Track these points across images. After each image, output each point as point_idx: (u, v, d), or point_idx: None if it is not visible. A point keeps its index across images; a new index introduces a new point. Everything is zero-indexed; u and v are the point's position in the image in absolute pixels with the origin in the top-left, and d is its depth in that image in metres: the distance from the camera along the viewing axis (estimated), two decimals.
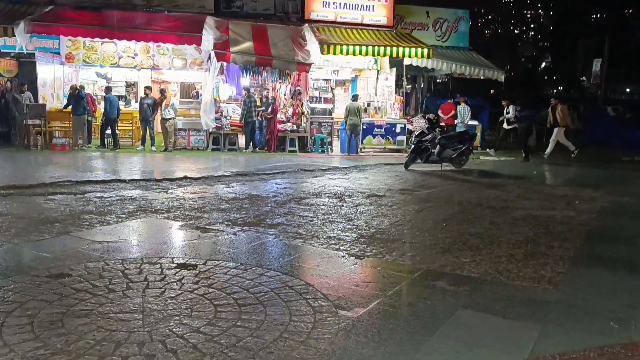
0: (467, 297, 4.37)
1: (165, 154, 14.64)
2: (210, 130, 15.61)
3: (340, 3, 17.48)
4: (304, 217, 7.20)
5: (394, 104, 17.87)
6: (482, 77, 19.52)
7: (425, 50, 16.34)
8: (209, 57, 15.33)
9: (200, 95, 16.97)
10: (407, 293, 4.48)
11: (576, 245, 6.24)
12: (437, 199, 9.18)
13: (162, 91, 15.83)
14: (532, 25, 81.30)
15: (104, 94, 15.50)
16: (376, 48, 16.12)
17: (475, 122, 18.16)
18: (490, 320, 3.94)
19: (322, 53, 15.69)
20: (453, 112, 17.36)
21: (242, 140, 16.26)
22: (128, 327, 3.50)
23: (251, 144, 15.74)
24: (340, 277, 4.77)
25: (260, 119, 15.95)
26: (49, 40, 15.96)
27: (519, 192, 10.08)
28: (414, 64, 17.79)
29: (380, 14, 17.89)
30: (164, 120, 15.25)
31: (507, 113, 17.93)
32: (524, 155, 16.22)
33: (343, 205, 8.08)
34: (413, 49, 16.30)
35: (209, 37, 14.96)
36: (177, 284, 4.36)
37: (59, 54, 16.33)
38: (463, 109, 17.33)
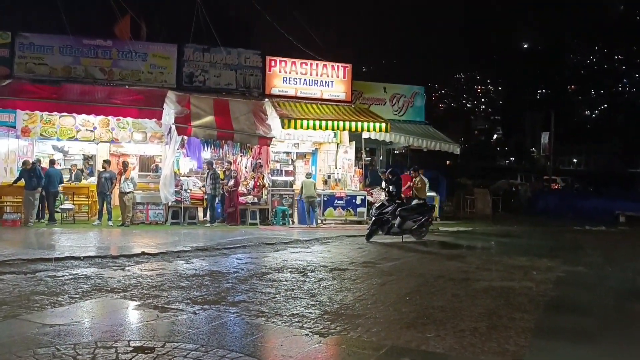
0: None
1: (123, 229, 14.28)
2: (170, 204, 15.41)
3: (300, 79, 18.00)
4: (266, 293, 7.05)
5: (353, 176, 18.15)
6: (438, 150, 20.12)
7: (383, 125, 16.84)
8: (170, 131, 15.36)
9: (160, 168, 16.85)
10: None
11: (537, 317, 6.29)
12: (399, 272, 9.18)
13: (124, 163, 15.66)
14: (483, 100, 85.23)
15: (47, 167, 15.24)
16: (335, 122, 16.51)
17: (433, 194, 18.56)
18: None
19: (283, 127, 15.96)
20: (409, 183, 17.71)
21: (202, 213, 16.09)
22: None
23: (211, 216, 15.58)
24: (304, 357, 4.63)
25: (222, 192, 15.89)
26: (4, 114, 15.72)
27: (478, 263, 10.20)
28: (373, 138, 18.26)
29: (339, 90, 18.47)
30: (122, 194, 14.98)
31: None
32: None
33: (306, 281, 7.98)
34: (371, 124, 16.77)
35: (170, 111, 15.06)
36: None
37: (14, 127, 16.07)
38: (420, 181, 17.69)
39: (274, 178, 17.32)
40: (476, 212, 23.44)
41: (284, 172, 18.63)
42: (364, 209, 16.93)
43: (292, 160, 20.30)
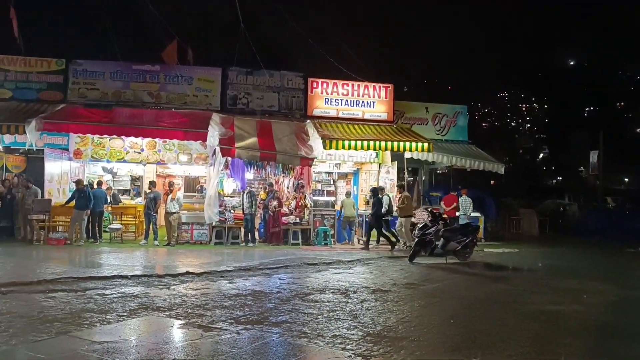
0: None
1: (168, 249, 14.57)
2: (214, 224, 15.65)
3: (341, 100, 18.14)
4: (308, 314, 7.05)
5: (396, 196, 18.02)
6: (482, 169, 19.82)
7: (426, 144, 16.73)
8: (214, 152, 15.67)
9: (205, 189, 17.18)
10: None
11: (588, 343, 6.07)
12: (443, 294, 9.03)
13: (170, 184, 16.07)
14: (528, 118, 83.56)
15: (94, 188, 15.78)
16: (377, 142, 16.52)
17: (477, 214, 18.26)
18: None
19: (324, 148, 16.06)
20: (455, 204, 17.53)
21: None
22: None
23: (251, 237, 15.74)
24: None
25: (263, 212, 16.08)
26: (58, 137, 16.40)
27: (525, 286, 9.94)
28: (415, 157, 18.14)
29: (380, 110, 18.50)
30: (168, 214, 15.33)
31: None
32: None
33: (348, 302, 7.94)
34: (413, 143, 16.69)
35: (214, 133, 15.37)
36: None
37: (67, 150, 16.74)
38: (465, 201, 17.50)
39: (316, 198, 17.41)
40: (522, 232, 22.90)
41: (325, 192, 18.73)
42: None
43: (333, 180, 20.41)
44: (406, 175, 18.87)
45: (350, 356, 5.27)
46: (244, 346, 5.51)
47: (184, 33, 18.34)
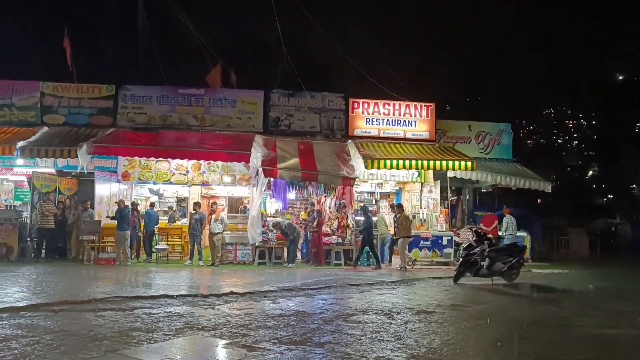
0: None
1: (213, 269, 14.77)
2: (257, 244, 15.79)
3: (383, 120, 18.15)
4: (351, 335, 7.01)
5: (439, 216, 17.83)
6: (527, 188, 19.37)
7: (469, 163, 16.51)
8: (257, 173, 15.89)
9: (248, 209, 17.39)
10: None
11: None
12: (489, 316, 8.82)
13: (213, 205, 16.37)
14: (576, 135, 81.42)
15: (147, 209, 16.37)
16: (419, 162, 16.42)
17: (524, 234, 17.81)
18: None
19: (366, 167, 16.06)
20: (496, 222, 17.25)
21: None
22: None
23: (291, 257, 15.81)
24: None
25: (305, 232, 16.15)
26: (107, 160, 16.96)
27: (575, 308, 9.61)
28: (458, 176, 17.92)
29: (422, 129, 18.41)
30: (212, 235, 15.58)
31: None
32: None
33: (392, 323, 7.85)
34: (456, 162, 16.50)
35: (257, 155, 15.60)
36: None
37: (116, 172, 17.28)
38: (509, 220, 17.15)
39: (358, 218, 17.35)
40: (571, 253, 22.19)
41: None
42: (451, 250, 16.52)
43: (375, 200, 20.34)
44: (449, 195, 18.65)
45: None
46: None
47: (227, 57, 18.83)
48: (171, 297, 9.66)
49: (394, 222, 16.10)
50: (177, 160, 16.96)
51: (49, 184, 16.83)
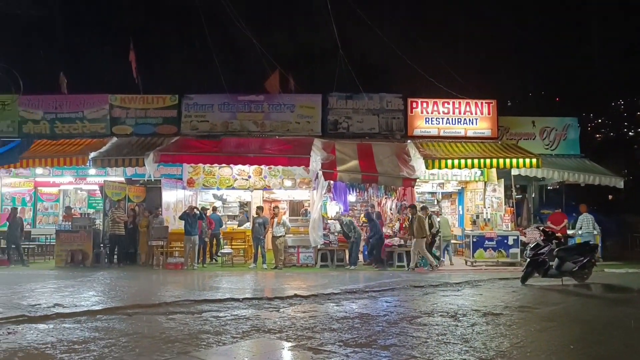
0: None
1: (276, 272, 15.00)
2: (319, 247, 15.91)
3: (442, 119, 17.86)
4: (417, 337, 6.94)
5: (504, 215, 17.36)
6: (597, 184, 18.55)
7: (534, 160, 15.99)
8: (317, 177, 16.00)
9: (309, 213, 17.55)
10: None
11: None
12: (560, 318, 8.52)
13: (275, 208, 16.65)
14: None
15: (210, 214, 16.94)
16: (481, 160, 16.04)
17: (594, 232, 17.06)
18: None
19: (427, 167, 15.85)
20: (565, 221, 16.65)
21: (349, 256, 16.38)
22: None
23: (353, 259, 15.84)
24: None
25: (367, 235, 16.14)
26: (173, 168, 17.59)
27: None
28: (523, 174, 17.40)
29: (484, 127, 17.98)
30: (274, 238, 15.82)
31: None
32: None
33: (458, 325, 7.72)
34: (520, 159, 16.01)
35: (316, 158, 15.72)
36: None
37: (181, 179, 17.87)
38: (586, 218, 16.59)
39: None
40: None
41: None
42: (517, 250, 16.04)
43: (437, 200, 20.05)
44: (514, 193, 18.15)
45: None
46: None
47: (284, 62, 19.03)
48: (237, 300, 9.88)
49: (409, 223, 15.68)
50: (239, 166, 17.37)
51: (119, 192, 17.61)
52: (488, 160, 16.10)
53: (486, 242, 16.18)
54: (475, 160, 16.07)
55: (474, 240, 16.17)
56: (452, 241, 17.99)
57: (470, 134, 17.91)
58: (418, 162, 16.13)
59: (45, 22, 26.27)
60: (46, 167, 17.18)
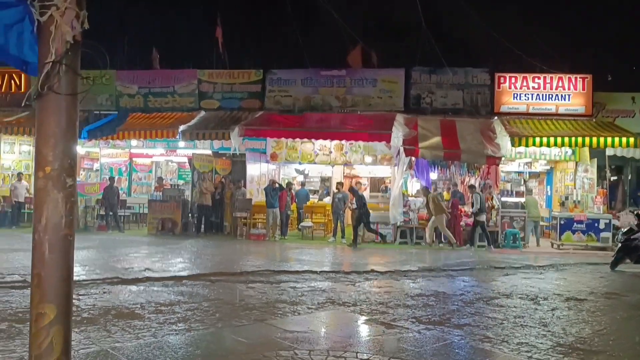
0: None
1: (355, 247, 15.12)
2: (398, 224, 15.84)
3: (532, 94, 17.03)
4: (493, 318, 6.82)
5: (596, 197, 16.45)
6: None
7: (631, 139, 14.97)
8: (398, 153, 15.85)
9: (389, 189, 17.48)
10: None
11: None
12: None
13: (356, 184, 16.71)
14: None
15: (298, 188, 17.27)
16: (573, 139, 15.24)
17: None
18: None
19: (513, 145, 15.29)
20: None
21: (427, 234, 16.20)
22: None
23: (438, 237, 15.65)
24: None
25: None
26: (257, 142, 18.03)
27: None
28: (619, 154, 16.37)
29: (577, 103, 16.99)
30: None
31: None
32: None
33: (537, 309, 7.49)
34: (616, 138, 15.06)
35: (398, 134, 15.56)
36: None
37: (265, 153, 18.33)
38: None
39: (504, 199, 16.63)
40: None
41: (514, 192, 17.81)
42: (609, 234, 15.17)
43: (524, 180, 19.32)
44: (608, 174, 17.13)
45: None
46: (425, 346, 5.54)
47: (367, 36, 18.84)
48: (315, 272, 10.11)
49: (426, 205, 15.54)
50: (321, 141, 17.53)
51: (207, 165, 18.35)
52: (580, 139, 15.28)
53: (575, 224, 15.42)
54: (566, 139, 15.29)
55: (562, 222, 15.45)
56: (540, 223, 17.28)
57: (561, 110, 16.99)
58: (504, 140, 15.57)
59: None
60: (140, 139, 18.16)
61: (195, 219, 17.49)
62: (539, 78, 17.08)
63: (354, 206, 15.66)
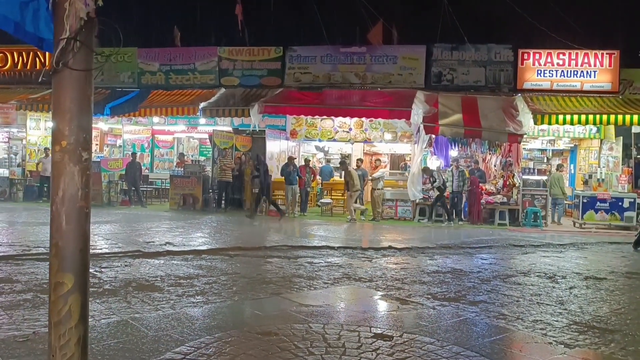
0: None
1: (373, 223, 15.18)
2: (417, 201, 15.82)
3: (556, 71, 16.70)
4: (509, 296, 6.83)
5: (620, 175, 16.19)
6: None
7: None
8: (418, 130, 15.75)
9: (409, 166, 17.42)
10: None
11: None
12: None
13: (376, 161, 16.74)
14: None
15: (321, 165, 17.16)
16: (598, 116, 14.97)
17: None
18: None
19: (535, 123, 15.09)
20: None
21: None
22: None
23: (454, 213, 15.60)
24: None
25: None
26: (276, 119, 18.08)
27: None
28: None
29: (603, 80, 16.62)
30: (373, 190, 15.95)
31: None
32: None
33: (555, 287, 7.46)
34: None
35: (418, 111, 15.45)
36: (372, 354, 4.46)
37: (284, 130, 18.36)
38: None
39: (525, 177, 16.46)
40: None
41: (536, 170, 17.61)
42: (633, 214, 14.96)
43: (547, 158, 19.08)
44: (634, 152, 16.81)
45: (551, 343, 4.99)
46: (439, 322, 5.58)
47: (388, 13, 18.58)
48: (332, 248, 10.19)
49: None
50: (340, 118, 17.51)
51: (227, 141, 18.47)
52: (605, 116, 15.01)
53: (598, 203, 15.23)
54: (591, 116, 15.03)
55: (584, 201, 15.28)
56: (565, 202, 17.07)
57: (587, 87, 16.65)
58: (526, 117, 15.37)
59: None
60: (162, 116, 18.35)
61: (215, 194, 17.69)
62: (563, 54, 16.72)
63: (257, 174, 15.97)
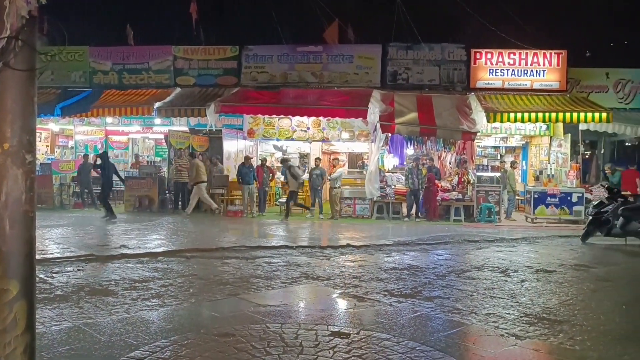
0: None
1: (332, 222, 15.24)
2: (375, 199, 15.98)
3: (507, 70, 17.13)
4: (463, 291, 6.98)
5: (569, 171, 16.75)
6: None
7: (604, 114, 15.20)
8: (375, 129, 15.90)
9: (367, 165, 17.57)
10: None
11: None
12: (618, 278, 8.29)
13: (334, 160, 16.80)
14: None
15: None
16: (547, 114, 15.42)
17: None
18: None
19: (488, 121, 15.42)
20: (638, 180, 15.83)
21: (405, 208, 16.37)
22: None
23: (413, 212, 15.83)
24: (496, 358, 4.53)
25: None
26: (233, 118, 17.92)
27: None
28: (592, 129, 16.63)
29: (552, 79, 17.15)
30: (331, 189, 16.02)
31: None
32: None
33: (507, 281, 7.68)
34: (589, 114, 15.27)
35: (374, 110, 15.59)
36: (329, 352, 4.49)
37: (242, 129, 18.23)
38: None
39: (479, 174, 16.84)
40: None
41: (490, 167, 18.05)
42: (581, 208, 15.49)
43: (500, 155, 19.56)
44: (581, 149, 17.41)
45: (503, 335, 5.14)
46: (395, 318, 5.66)
47: (343, 13, 18.67)
48: (291, 247, 10.19)
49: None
50: (298, 117, 17.49)
51: (183, 142, 18.22)
52: (554, 114, 15.46)
53: (548, 198, 15.71)
54: (540, 114, 15.46)
55: (536, 196, 15.72)
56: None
57: (536, 86, 17.14)
58: (479, 116, 15.70)
59: None
60: (115, 117, 17.92)
61: (172, 195, 17.42)
62: (514, 54, 17.16)
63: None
